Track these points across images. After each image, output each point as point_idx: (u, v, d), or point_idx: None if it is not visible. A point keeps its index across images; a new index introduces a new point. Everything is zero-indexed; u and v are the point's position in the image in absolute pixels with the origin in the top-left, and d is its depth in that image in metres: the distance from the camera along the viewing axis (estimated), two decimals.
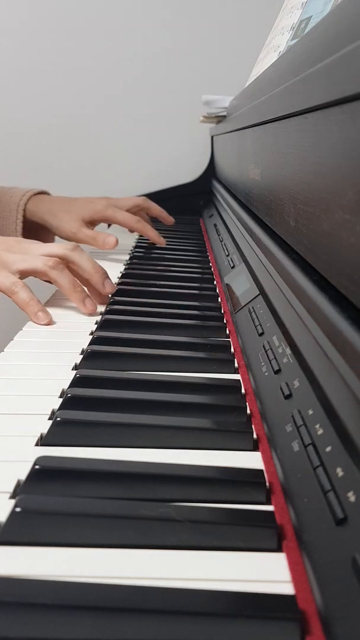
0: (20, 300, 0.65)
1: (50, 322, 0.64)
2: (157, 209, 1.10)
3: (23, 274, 0.67)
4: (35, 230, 0.98)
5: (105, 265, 0.90)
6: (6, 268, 0.67)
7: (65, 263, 0.69)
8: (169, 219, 1.13)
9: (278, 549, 0.29)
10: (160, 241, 1.02)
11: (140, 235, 1.07)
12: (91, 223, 0.97)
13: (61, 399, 0.45)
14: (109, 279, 0.71)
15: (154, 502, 0.32)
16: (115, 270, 0.88)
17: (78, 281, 0.68)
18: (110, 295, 0.72)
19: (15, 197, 0.96)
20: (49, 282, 0.69)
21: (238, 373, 0.51)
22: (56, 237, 1.01)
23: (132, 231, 1.03)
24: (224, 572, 0.28)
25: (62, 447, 0.38)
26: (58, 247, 0.71)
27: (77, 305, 0.67)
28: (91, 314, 0.67)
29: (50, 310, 0.69)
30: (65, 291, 0.67)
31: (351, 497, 0.27)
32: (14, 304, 0.65)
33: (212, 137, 1.38)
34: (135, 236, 1.12)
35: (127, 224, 0.99)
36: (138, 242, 1.08)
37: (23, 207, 0.95)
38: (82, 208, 0.97)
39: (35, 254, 0.69)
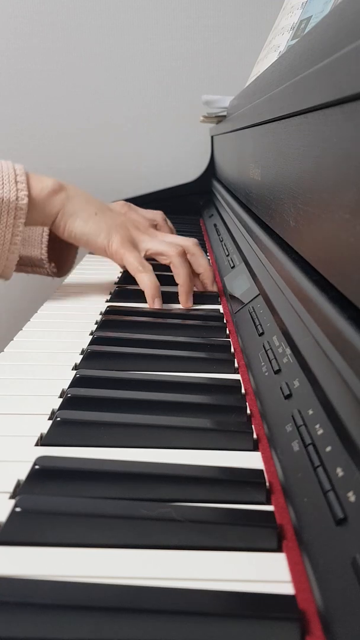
0: (145, 281, 0.68)
1: (160, 308, 0.68)
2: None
3: (149, 255, 0.71)
4: (59, 243, 0.96)
5: (106, 265, 0.90)
6: (136, 247, 0.71)
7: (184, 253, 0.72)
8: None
9: (278, 549, 0.29)
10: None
11: None
12: None
13: (61, 399, 0.45)
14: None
15: (154, 502, 0.32)
16: (115, 270, 0.88)
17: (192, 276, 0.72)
18: (110, 294, 0.72)
19: None
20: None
21: (238, 373, 0.51)
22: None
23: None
24: (224, 572, 0.28)
25: (62, 447, 0.38)
26: (181, 238, 0.75)
27: (184, 296, 0.70)
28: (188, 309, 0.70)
29: (50, 311, 0.69)
30: (181, 279, 0.70)
31: (351, 497, 0.27)
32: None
33: (212, 137, 1.38)
34: None
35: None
36: None
37: None
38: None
39: (161, 239, 0.73)
